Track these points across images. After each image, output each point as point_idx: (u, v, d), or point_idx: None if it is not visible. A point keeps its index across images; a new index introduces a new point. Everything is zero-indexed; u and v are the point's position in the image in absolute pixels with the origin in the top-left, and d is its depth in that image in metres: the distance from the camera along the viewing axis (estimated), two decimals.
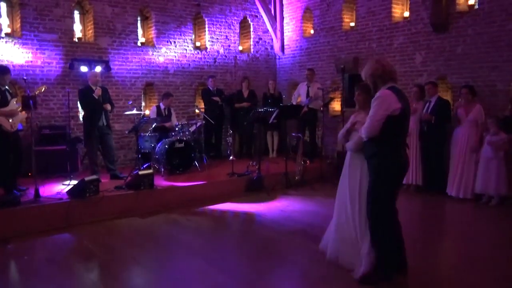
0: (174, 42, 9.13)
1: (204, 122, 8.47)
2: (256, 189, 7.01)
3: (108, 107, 6.86)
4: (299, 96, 8.91)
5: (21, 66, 7.36)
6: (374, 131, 3.37)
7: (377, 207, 3.47)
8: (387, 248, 3.51)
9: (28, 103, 5.80)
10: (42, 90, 6.38)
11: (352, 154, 3.82)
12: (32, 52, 7.50)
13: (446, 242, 4.97)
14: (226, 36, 9.90)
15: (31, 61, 7.50)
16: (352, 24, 9.04)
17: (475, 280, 3.67)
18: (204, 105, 8.98)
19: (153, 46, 8.89)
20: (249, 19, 10.28)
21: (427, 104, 6.78)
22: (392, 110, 3.32)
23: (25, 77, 6.14)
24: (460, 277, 3.77)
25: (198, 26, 9.76)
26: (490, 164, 6.07)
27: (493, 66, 6.74)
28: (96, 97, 6.62)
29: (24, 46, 7.43)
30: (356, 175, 3.74)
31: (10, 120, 5.73)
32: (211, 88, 8.99)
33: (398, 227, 3.65)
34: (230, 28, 9.96)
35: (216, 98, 8.89)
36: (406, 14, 8.07)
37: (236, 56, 10.09)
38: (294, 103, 8.69)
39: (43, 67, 7.61)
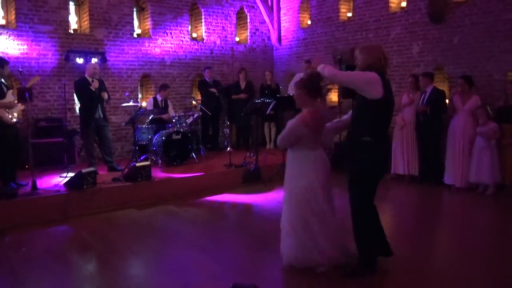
0: (171, 33, 9.08)
1: (201, 113, 8.46)
2: (254, 180, 7.02)
3: (105, 96, 6.82)
4: None
5: (17, 58, 7.32)
6: (338, 79, 3.41)
7: (364, 198, 3.45)
8: (372, 239, 3.50)
9: (24, 95, 5.77)
10: (35, 82, 6.35)
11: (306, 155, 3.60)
12: (27, 44, 7.45)
13: (442, 232, 5.00)
14: (223, 27, 9.85)
15: (27, 53, 7.46)
16: (349, 14, 9.00)
17: (470, 270, 3.70)
18: (201, 96, 8.97)
19: (150, 37, 8.84)
20: (245, 10, 10.23)
21: (423, 95, 6.78)
22: (368, 89, 3.29)
23: (20, 69, 6.11)
24: (454, 266, 3.79)
25: (194, 17, 9.71)
26: (482, 154, 6.12)
27: (490, 56, 6.75)
28: (93, 90, 6.59)
29: (19, 38, 7.38)
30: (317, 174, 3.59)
31: (9, 114, 5.72)
32: (207, 80, 8.96)
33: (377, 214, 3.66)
34: (226, 19, 9.91)
35: (213, 90, 8.87)
36: (404, 4, 8.04)
37: (233, 47, 10.05)
38: (291, 94, 8.68)
39: (38, 59, 7.58)
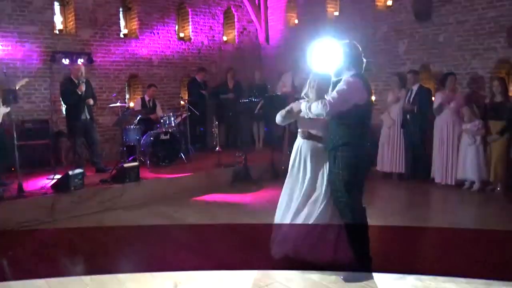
0: (158, 33, 9.03)
1: (189, 113, 8.43)
2: (243, 180, 7.02)
3: (91, 101, 6.75)
4: (284, 86, 8.92)
5: (1, 59, 7.20)
6: (337, 108, 3.27)
7: (352, 199, 3.41)
8: (366, 241, 3.48)
9: (9, 97, 5.70)
10: (24, 83, 6.27)
11: (307, 145, 3.69)
12: (11, 45, 7.35)
13: (429, 228, 5.05)
14: (210, 26, 9.83)
15: (11, 54, 7.35)
16: (336, 13, 9.04)
17: (456, 265, 3.75)
18: (189, 96, 8.93)
19: (136, 37, 8.78)
20: (233, 9, 10.21)
21: (409, 93, 6.85)
22: (359, 99, 3.32)
23: (5, 71, 6.04)
24: (441, 262, 3.84)
25: (181, 16, 9.67)
26: (468, 151, 6.21)
27: (475, 54, 6.83)
28: (80, 93, 6.52)
29: (3, 39, 7.27)
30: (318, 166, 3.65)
31: None
32: (199, 80, 8.91)
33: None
34: (214, 19, 9.89)
35: (205, 92, 8.87)
36: (389, 2, 8.09)
37: (220, 47, 10.02)
38: (279, 93, 8.70)
39: (23, 60, 7.47)
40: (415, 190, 6.55)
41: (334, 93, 3.31)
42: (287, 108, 3.79)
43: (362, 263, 3.49)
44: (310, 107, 3.43)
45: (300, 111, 3.65)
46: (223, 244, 4.54)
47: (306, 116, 3.60)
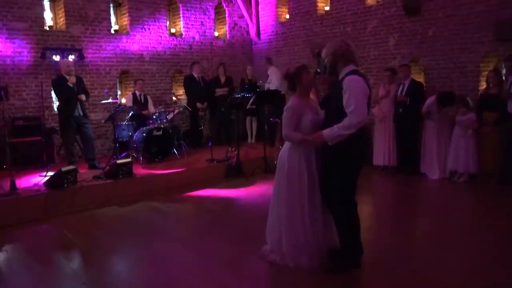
0: (149, 28, 9.00)
1: (181, 109, 8.42)
2: (235, 175, 7.06)
3: (83, 97, 6.73)
4: (269, 81, 8.96)
5: None
6: (364, 116, 3.20)
7: (343, 195, 3.40)
8: (351, 235, 3.48)
9: None
10: None
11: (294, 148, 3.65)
12: (1, 42, 7.29)
13: (417, 219, 5.14)
14: (201, 22, 9.81)
15: (1, 51, 7.29)
16: (327, 8, 9.08)
17: (443, 256, 3.82)
18: (189, 93, 8.86)
19: (127, 33, 8.75)
20: (224, 5, 10.20)
21: (401, 87, 6.92)
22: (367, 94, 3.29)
23: None
24: (428, 252, 3.91)
25: (172, 12, 9.65)
26: (459, 142, 6.30)
27: (463, 47, 6.92)
28: (71, 85, 6.49)
29: None
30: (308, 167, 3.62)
31: None
32: (195, 75, 8.88)
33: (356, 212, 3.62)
34: (205, 14, 9.87)
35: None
36: None
37: (212, 42, 10.02)
38: (267, 88, 8.74)
39: (13, 56, 7.42)
40: (407, 183, 6.62)
41: (350, 106, 3.16)
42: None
43: (346, 255, 3.50)
44: (339, 135, 3.22)
45: None
46: (216, 238, 4.58)
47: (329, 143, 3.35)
